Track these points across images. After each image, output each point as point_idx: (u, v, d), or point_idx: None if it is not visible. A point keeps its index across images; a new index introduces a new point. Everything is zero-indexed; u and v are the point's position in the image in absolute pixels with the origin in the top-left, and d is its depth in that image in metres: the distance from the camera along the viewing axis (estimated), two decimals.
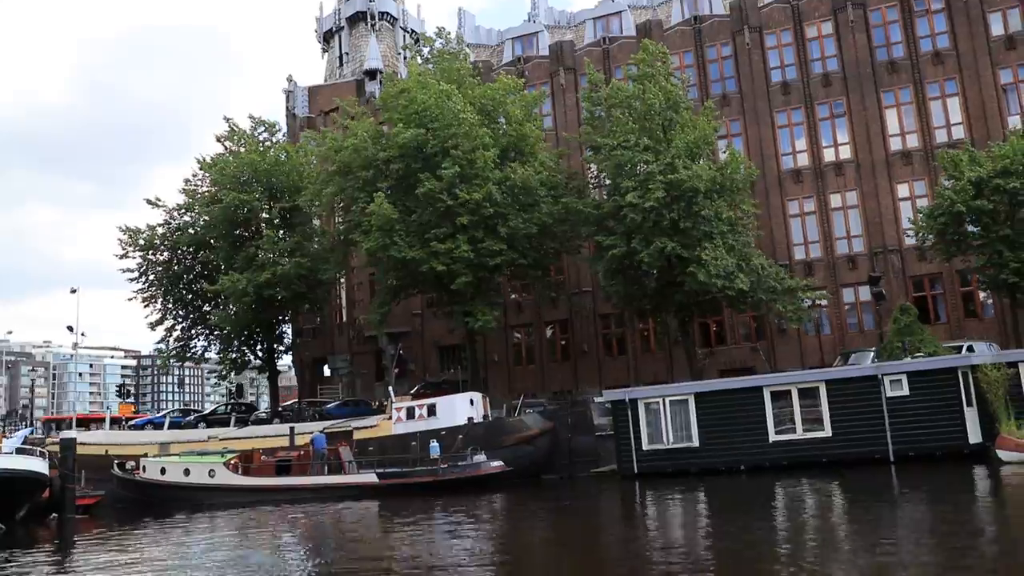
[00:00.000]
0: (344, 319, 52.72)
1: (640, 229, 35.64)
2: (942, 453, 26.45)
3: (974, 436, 26.47)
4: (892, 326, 33.65)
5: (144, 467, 34.40)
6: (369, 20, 56.68)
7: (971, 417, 26.77)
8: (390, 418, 36.21)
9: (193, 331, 47.13)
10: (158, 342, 47.07)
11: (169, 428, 43.55)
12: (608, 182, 39.54)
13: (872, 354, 34.62)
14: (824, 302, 43.01)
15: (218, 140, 47.71)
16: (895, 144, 44.55)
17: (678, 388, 31.33)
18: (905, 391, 27.21)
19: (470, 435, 33.40)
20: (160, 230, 46.98)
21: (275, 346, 47.47)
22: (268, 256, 42.47)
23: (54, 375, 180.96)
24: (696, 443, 29.38)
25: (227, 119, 47.83)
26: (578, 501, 27.91)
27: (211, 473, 33.14)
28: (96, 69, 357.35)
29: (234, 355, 46.27)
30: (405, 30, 57.12)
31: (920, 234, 37.20)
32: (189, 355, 47.39)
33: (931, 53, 44.45)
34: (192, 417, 47.05)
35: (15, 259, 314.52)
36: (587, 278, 47.34)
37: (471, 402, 35.94)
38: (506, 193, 37.75)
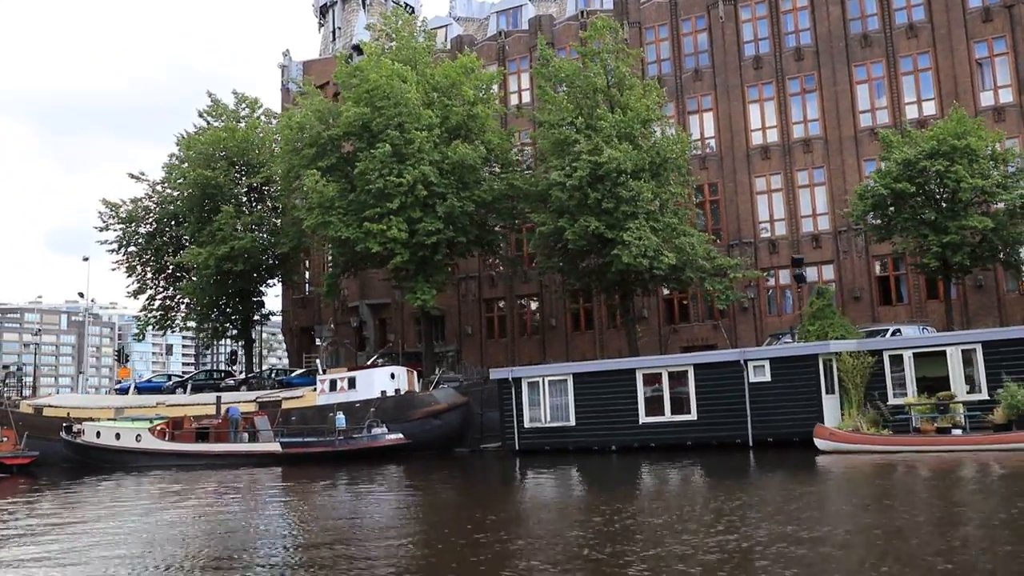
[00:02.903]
0: None
1: (567, 208, 35.92)
2: (799, 439, 26.27)
3: (832, 423, 26.12)
4: (807, 309, 33.29)
5: (84, 430, 36.45)
6: None
7: (830, 404, 26.44)
8: (315, 390, 37.41)
9: (173, 301, 49.02)
10: (139, 311, 49.15)
11: (139, 393, 45.63)
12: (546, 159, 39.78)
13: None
14: (773, 280, 42.69)
15: (200, 115, 49.24)
16: (864, 120, 43.46)
17: (558, 368, 31.58)
18: (767, 377, 27.04)
19: (380, 408, 34.31)
20: (144, 203, 48.84)
21: (250, 315, 49.02)
22: (230, 230, 43.74)
23: (119, 336, 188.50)
24: (572, 422, 29.68)
25: (210, 94, 49.38)
26: (443, 475, 28.54)
27: (138, 438, 34.98)
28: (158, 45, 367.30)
29: (211, 323, 48.16)
30: (397, 3, 57.60)
31: (854, 215, 36.56)
32: (168, 323, 49.37)
33: (905, 26, 43.06)
34: (172, 382, 49.14)
35: (92, 219, 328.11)
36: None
37: (392, 376, 36.80)
38: (447, 172, 38.18)
